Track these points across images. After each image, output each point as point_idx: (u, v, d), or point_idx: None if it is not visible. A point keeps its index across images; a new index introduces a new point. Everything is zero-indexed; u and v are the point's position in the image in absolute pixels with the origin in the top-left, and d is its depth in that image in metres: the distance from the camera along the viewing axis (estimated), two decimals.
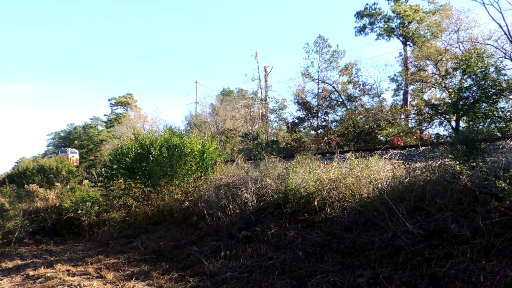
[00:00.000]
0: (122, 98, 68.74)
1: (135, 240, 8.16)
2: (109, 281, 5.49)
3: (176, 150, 10.14)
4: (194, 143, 10.66)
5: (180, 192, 9.63)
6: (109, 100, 69.96)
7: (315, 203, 6.67)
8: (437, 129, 23.08)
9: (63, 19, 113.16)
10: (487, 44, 23.68)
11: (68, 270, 6.32)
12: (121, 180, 10.76)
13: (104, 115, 71.40)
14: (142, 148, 10.54)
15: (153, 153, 10.01)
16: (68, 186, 17.04)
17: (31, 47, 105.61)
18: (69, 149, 43.58)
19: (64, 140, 69.56)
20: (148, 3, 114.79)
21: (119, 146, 11.50)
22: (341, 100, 32.83)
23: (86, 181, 15.85)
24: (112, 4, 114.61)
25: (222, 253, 5.92)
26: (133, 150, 10.68)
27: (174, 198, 9.50)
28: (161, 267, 5.90)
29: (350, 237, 5.29)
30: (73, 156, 39.68)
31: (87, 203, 10.24)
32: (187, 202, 9.08)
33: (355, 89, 32.93)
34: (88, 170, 12.48)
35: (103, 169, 12.45)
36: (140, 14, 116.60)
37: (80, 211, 9.96)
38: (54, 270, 6.36)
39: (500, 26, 23.07)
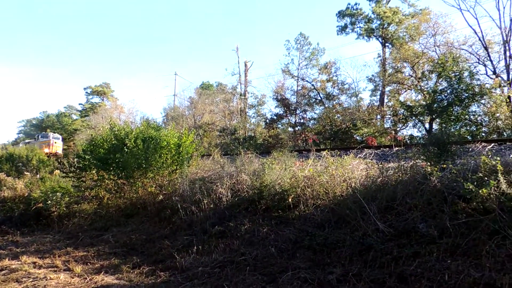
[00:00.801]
0: (98, 88, 67.26)
1: (106, 233, 8.00)
2: (77, 274, 5.37)
3: (152, 142, 9.99)
4: (170, 136, 10.53)
5: (154, 185, 9.50)
6: (84, 89, 68.32)
7: (290, 200, 6.71)
8: (411, 130, 23.65)
9: (39, 2, 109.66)
10: (462, 49, 24.39)
11: (34, 262, 6.14)
12: (94, 171, 10.53)
13: (79, 104, 69.78)
14: (117, 139, 10.34)
15: (128, 144, 9.83)
16: (38, 175, 16.57)
17: (4, 30, 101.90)
18: (51, 134, 36.89)
19: (36, 128, 67.61)
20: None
21: (93, 136, 11.24)
22: (319, 98, 33.14)
23: (57, 171, 15.45)
24: None
25: (195, 248, 5.88)
26: (108, 141, 10.46)
27: (148, 191, 9.36)
28: (132, 261, 5.82)
29: (322, 234, 5.35)
30: (55, 142, 34.28)
31: (58, 193, 9.95)
32: (161, 196, 8.96)
33: (334, 87, 33.35)
34: (59, 160, 12.14)
35: (75, 159, 12.14)
36: (121, 4, 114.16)
37: (49, 201, 9.67)
38: (19, 262, 6.17)
39: (475, 32, 23.79)
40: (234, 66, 51.28)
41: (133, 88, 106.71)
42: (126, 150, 9.73)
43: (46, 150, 30.38)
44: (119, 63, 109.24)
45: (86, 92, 68.29)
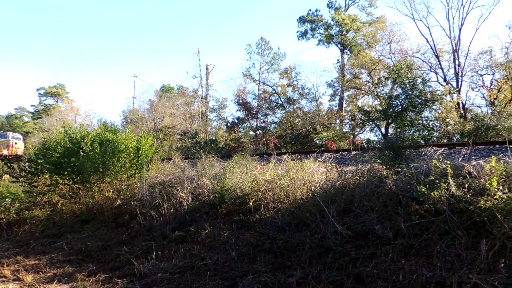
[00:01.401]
0: (52, 89, 64.45)
1: (59, 240, 7.67)
2: (27, 284, 5.12)
3: (109, 145, 9.68)
4: (129, 139, 10.25)
5: (111, 190, 9.21)
6: (37, 90, 65.24)
7: (251, 203, 6.72)
8: (368, 134, 24.40)
9: None
10: (416, 57, 25.60)
11: None
12: (46, 176, 10.05)
13: (31, 105, 66.48)
14: (72, 142, 9.93)
15: (84, 148, 9.47)
16: None
17: None
18: (10, 133, 31.96)
19: None
20: None
21: (46, 139, 10.73)
22: (280, 102, 33.50)
23: (6, 176, 14.61)
24: None
25: (154, 253, 5.77)
26: (62, 144, 10.02)
27: (105, 196, 9.06)
28: (87, 269, 5.61)
29: (283, 237, 5.40)
30: (15, 143, 29.70)
31: (7, 199, 9.43)
32: (119, 201, 8.70)
33: (294, 92, 33.81)
34: (9, 164, 11.49)
35: (27, 163, 11.54)
36: (77, 2, 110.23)
37: None
38: None
39: (428, 41, 25.05)
40: (195, 69, 51.04)
41: (91, 90, 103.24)
42: (82, 153, 9.37)
43: (5, 152, 27.60)
44: (76, 63, 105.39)
45: (39, 94, 65.26)
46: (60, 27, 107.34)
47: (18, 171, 10.67)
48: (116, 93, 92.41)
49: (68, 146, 9.84)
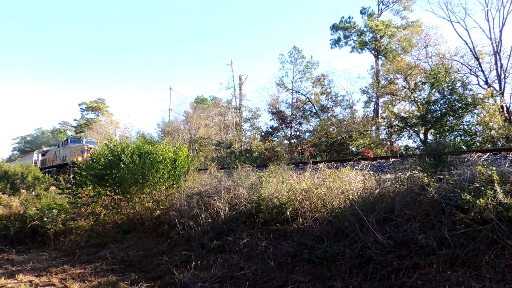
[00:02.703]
0: (93, 103, 67.35)
1: (103, 249, 7.93)
2: None
3: (148, 157, 9.96)
4: (166, 151, 10.51)
5: (151, 201, 9.45)
6: (79, 104, 68.47)
7: (288, 213, 6.69)
8: (406, 141, 23.75)
9: (33, 17, 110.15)
10: (454, 60, 24.71)
11: (30, 281, 6.06)
12: (90, 187, 10.46)
13: (74, 120, 69.78)
14: (113, 154, 10.30)
15: (125, 160, 9.79)
16: (33, 192, 16.42)
17: None
18: (84, 139, 29.38)
19: (31, 145, 67.37)
20: (122, 11, 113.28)
21: (90, 152, 11.21)
22: (314, 110, 33.30)
23: (53, 188, 15.33)
24: (86, 9, 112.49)
25: (193, 263, 5.84)
26: (104, 156, 10.41)
27: (145, 207, 9.31)
28: (130, 278, 5.76)
29: (321, 247, 5.33)
30: (90, 148, 25.88)
31: (54, 210, 9.87)
32: (158, 211, 8.92)
33: (328, 100, 33.51)
34: (55, 176, 12.03)
35: (71, 176, 12.06)
36: (114, 19, 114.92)
37: (45, 218, 9.59)
38: (15, 281, 6.09)
39: (466, 43, 24.18)
40: (228, 80, 51.59)
41: (129, 103, 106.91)
42: (122, 165, 9.69)
43: (80, 159, 24.45)
44: (115, 78, 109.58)
45: (81, 108, 68.36)
46: (100, 43, 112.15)
47: (63, 183, 11.16)
48: (152, 106, 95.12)
49: (109, 158, 10.21)
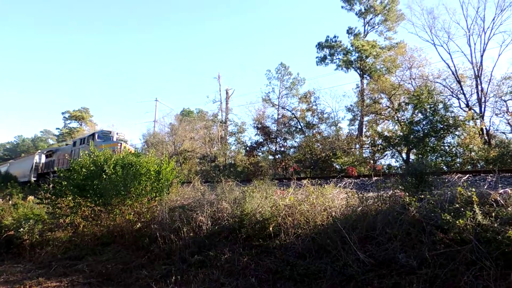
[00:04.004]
0: (77, 112, 66.49)
1: (80, 262, 7.74)
2: None
3: (131, 169, 9.85)
4: (150, 163, 10.41)
5: (132, 213, 9.30)
6: (62, 113, 67.47)
7: (270, 228, 6.67)
8: (389, 160, 24.04)
9: (20, 25, 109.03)
10: (437, 82, 25.37)
11: None
12: (70, 198, 10.25)
13: (56, 128, 68.64)
14: (95, 165, 10.16)
15: (107, 171, 9.66)
16: (10, 202, 15.98)
17: None
18: (115, 133, 23.66)
19: (10, 152, 65.86)
20: (111, 22, 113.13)
21: (71, 161, 11.01)
22: (299, 126, 33.54)
23: (31, 197, 14.96)
24: (75, 20, 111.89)
25: (173, 277, 5.76)
26: (86, 166, 10.25)
27: (125, 219, 9.15)
28: None
29: (303, 264, 5.31)
30: (124, 147, 21.77)
31: (31, 220, 9.63)
32: (139, 223, 8.77)
33: (313, 116, 33.82)
34: (33, 185, 11.69)
35: (51, 185, 11.81)
36: (102, 30, 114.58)
37: (22, 229, 9.33)
38: None
39: (449, 67, 24.87)
40: (215, 93, 51.76)
41: (113, 113, 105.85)
42: (104, 176, 9.55)
43: None
44: (100, 88, 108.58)
45: (64, 117, 67.39)
46: (86, 52, 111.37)
47: (42, 193, 10.91)
48: (138, 117, 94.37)
49: (92, 168, 10.05)
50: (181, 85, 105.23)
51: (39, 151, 31.11)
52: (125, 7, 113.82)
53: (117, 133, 23.41)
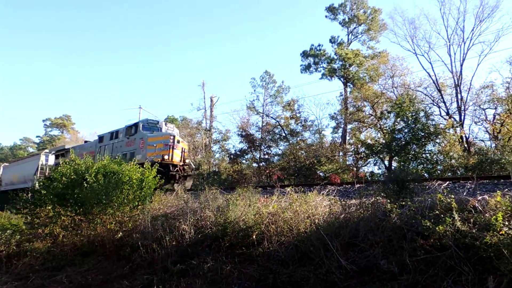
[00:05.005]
0: (58, 120, 65.45)
1: (59, 273, 7.56)
2: None
3: (113, 177, 9.71)
4: (133, 171, 10.27)
5: (114, 222, 9.15)
6: (43, 121, 66.37)
7: (254, 236, 6.64)
8: (372, 167, 24.34)
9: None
10: (418, 90, 25.90)
11: None
12: (49, 207, 10.03)
13: (37, 136, 67.34)
14: (76, 173, 9.97)
15: (88, 179, 9.50)
16: None
17: None
18: (163, 124, 18.98)
19: None
20: (93, 28, 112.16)
21: (50, 170, 10.80)
22: (283, 134, 33.69)
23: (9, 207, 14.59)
24: (55, 28, 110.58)
25: (155, 287, 5.67)
26: (67, 175, 10.06)
27: (107, 228, 9.00)
28: None
29: (286, 272, 5.30)
30: (178, 141, 17.52)
31: (8, 231, 9.38)
32: (120, 233, 8.63)
33: (297, 124, 34.03)
34: (11, 195, 11.37)
35: (29, 195, 11.54)
36: (84, 36, 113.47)
37: None
38: None
39: (430, 76, 25.45)
40: (199, 101, 51.66)
41: (96, 121, 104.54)
42: (85, 185, 9.38)
43: (166, 157, 16.32)
44: (82, 95, 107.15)
45: (45, 125, 66.28)
46: (68, 59, 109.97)
47: (21, 203, 10.65)
48: (121, 124, 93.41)
49: (72, 177, 9.87)
50: (166, 93, 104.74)
51: (46, 150, 26.66)
52: (109, 13, 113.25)
53: (165, 124, 19.25)
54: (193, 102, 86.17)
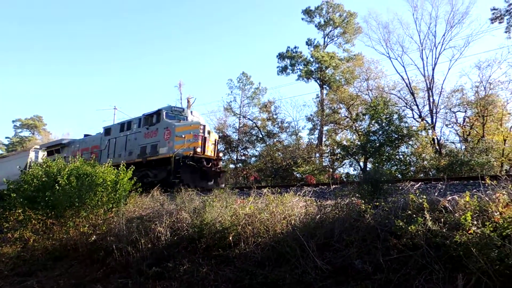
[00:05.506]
0: (29, 121, 63.35)
1: (30, 278, 7.35)
2: None
3: (87, 179, 9.49)
4: (107, 173, 10.06)
5: (87, 225, 8.95)
6: (13, 121, 63.99)
7: (230, 238, 6.63)
8: (347, 168, 24.70)
9: None
10: (392, 93, 26.48)
11: None
12: (19, 211, 9.71)
13: (6, 137, 64.97)
14: (47, 175, 9.70)
15: (60, 182, 9.25)
16: None
17: None
18: (188, 111, 16.37)
19: None
20: (68, 28, 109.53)
21: (21, 173, 10.45)
22: (260, 136, 33.76)
23: None
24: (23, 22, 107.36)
25: None
26: (38, 177, 9.77)
27: (80, 231, 8.79)
28: None
29: (263, 273, 5.33)
30: (209, 132, 15.47)
31: None
32: (94, 236, 8.45)
33: (274, 126, 34.19)
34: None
35: None
36: (55, 35, 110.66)
37: None
38: None
39: (403, 79, 26.06)
40: (176, 102, 51.14)
41: (69, 122, 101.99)
42: (57, 187, 9.14)
43: (199, 149, 14.18)
44: (54, 95, 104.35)
45: (15, 125, 63.99)
46: (39, 58, 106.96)
47: None
48: (95, 126, 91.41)
49: (43, 179, 9.60)
50: (142, 93, 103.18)
51: (36, 146, 24.13)
52: (80, 9, 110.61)
53: (191, 112, 16.25)
54: (170, 103, 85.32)
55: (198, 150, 13.95)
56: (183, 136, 14.05)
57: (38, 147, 23.34)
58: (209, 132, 15.05)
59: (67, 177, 9.33)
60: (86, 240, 8.40)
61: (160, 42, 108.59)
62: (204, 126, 14.85)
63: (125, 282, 6.07)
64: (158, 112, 15.48)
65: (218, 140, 16.40)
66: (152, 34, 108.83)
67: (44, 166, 9.96)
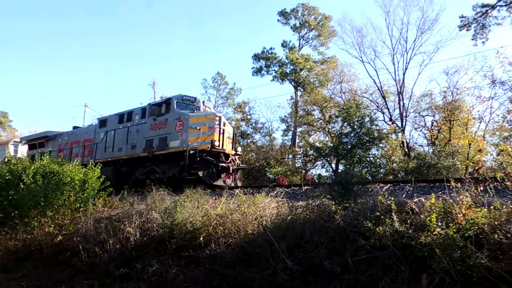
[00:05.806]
0: None
1: None
2: None
3: (54, 178, 9.19)
4: (75, 171, 9.77)
5: (53, 225, 8.66)
6: None
7: (201, 238, 6.58)
8: (320, 170, 24.95)
9: None
10: (364, 97, 26.94)
11: None
12: None
13: None
14: (11, 174, 9.33)
15: (25, 180, 8.91)
16: None
17: None
18: (201, 102, 14.75)
19: None
20: (34, 24, 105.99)
21: None
22: None
23: None
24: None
25: None
26: (1, 175, 9.38)
27: (45, 232, 8.50)
28: None
29: (233, 274, 5.31)
30: (224, 124, 13.73)
31: None
32: (60, 236, 8.20)
33: (248, 126, 34.18)
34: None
35: None
36: (24, 33, 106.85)
37: None
38: None
39: (375, 83, 26.55)
40: (150, 100, 50.38)
41: (37, 119, 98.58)
42: (22, 186, 8.81)
43: (217, 143, 12.76)
44: (22, 91, 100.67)
45: None
46: (8, 52, 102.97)
47: None
48: (65, 123, 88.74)
49: (7, 177, 9.23)
50: (114, 91, 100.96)
51: (15, 139, 21.79)
52: (56, 9, 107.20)
53: (203, 102, 14.90)
54: (143, 102, 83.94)
55: (216, 144, 12.64)
56: (198, 128, 12.68)
57: (18, 140, 21.23)
58: (224, 124, 13.68)
59: (32, 175, 9.01)
60: (52, 240, 8.15)
61: (134, 41, 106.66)
62: (220, 117, 13.54)
63: (91, 284, 5.92)
64: (167, 101, 14.06)
65: (236, 133, 15.27)
66: (127, 33, 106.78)
67: (8, 164, 9.58)
